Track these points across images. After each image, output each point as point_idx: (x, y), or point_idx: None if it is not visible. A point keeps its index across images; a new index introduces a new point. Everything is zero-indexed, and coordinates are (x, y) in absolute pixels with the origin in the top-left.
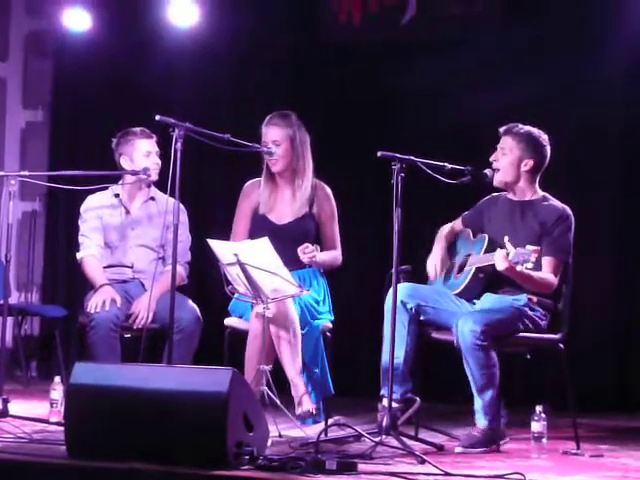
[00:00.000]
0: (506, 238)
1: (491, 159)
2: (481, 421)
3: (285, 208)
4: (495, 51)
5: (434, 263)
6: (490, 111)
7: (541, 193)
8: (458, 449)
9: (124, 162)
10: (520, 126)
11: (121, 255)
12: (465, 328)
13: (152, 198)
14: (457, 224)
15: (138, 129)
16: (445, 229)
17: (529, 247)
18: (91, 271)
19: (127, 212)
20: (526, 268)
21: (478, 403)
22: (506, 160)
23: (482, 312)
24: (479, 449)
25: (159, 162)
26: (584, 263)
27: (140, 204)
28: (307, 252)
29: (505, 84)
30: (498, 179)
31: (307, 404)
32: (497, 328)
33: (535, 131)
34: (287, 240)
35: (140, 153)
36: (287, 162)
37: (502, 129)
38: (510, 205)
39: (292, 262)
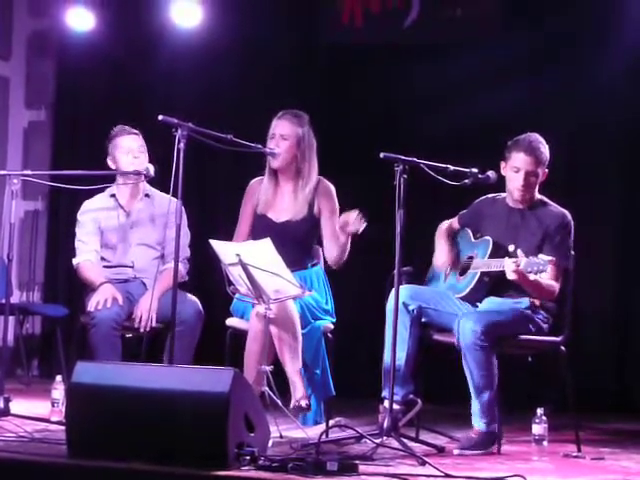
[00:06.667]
0: (511, 247)
1: (522, 185)
2: (478, 424)
3: (285, 207)
4: (496, 54)
5: (444, 257)
6: (492, 113)
7: (538, 196)
8: (456, 451)
9: (110, 162)
10: (534, 142)
11: (122, 255)
12: (466, 327)
13: (147, 195)
14: (454, 222)
15: (118, 127)
16: (444, 226)
17: (542, 257)
18: (89, 275)
19: (124, 212)
20: (540, 277)
21: (475, 405)
22: (535, 180)
23: (484, 312)
24: (477, 451)
25: (140, 157)
26: (584, 265)
27: (136, 203)
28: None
29: (506, 86)
30: (525, 197)
31: (303, 400)
32: (498, 329)
33: (543, 141)
34: (287, 240)
35: (122, 151)
36: (288, 159)
37: (523, 148)
38: (511, 211)
39: (293, 263)
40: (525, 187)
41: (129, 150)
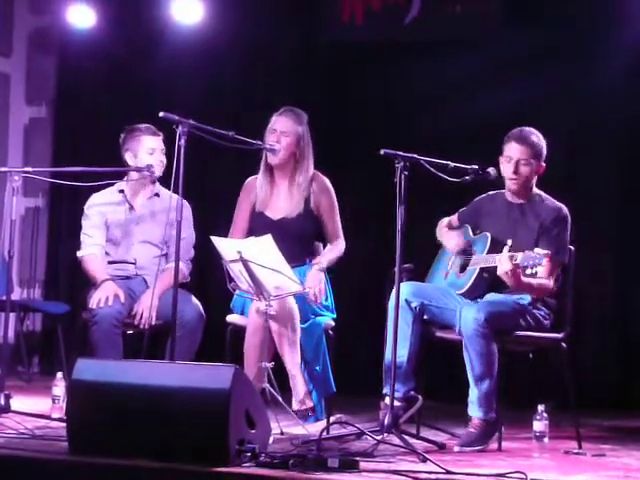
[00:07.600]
0: (509, 242)
1: (513, 172)
2: (475, 412)
3: (281, 203)
4: (496, 51)
5: (456, 239)
6: (491, 111)
7: (536, 191)
8: (456, 448)
9: (128, 157)
10: (526, 131)
11: (124, 251)
12: (468, 315)
13: (156, 194)
14: (454, 220)
15: (145, 125)
16: (444, 222)
17: (538, 250)
18: (92, 269)
19: (131, 208)
20: (535, 272)
21: (473, 393)
22: (528, 170)
23: (485, 302)
24: (477, 447)
25: (163, 160)
26: (584, 261)
27: (144, 200)
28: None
29: (506, 84)
30: (517, 188)
31: (308, 402)
32: (500, 318)
33: (537, 133)
34: (285, 236)
35: (144, 150)
36: (286, 156)
37: (514, 137)
38: (510, 206)
39: (292, 259)
40: (517, 175)
41: (153, 150)
